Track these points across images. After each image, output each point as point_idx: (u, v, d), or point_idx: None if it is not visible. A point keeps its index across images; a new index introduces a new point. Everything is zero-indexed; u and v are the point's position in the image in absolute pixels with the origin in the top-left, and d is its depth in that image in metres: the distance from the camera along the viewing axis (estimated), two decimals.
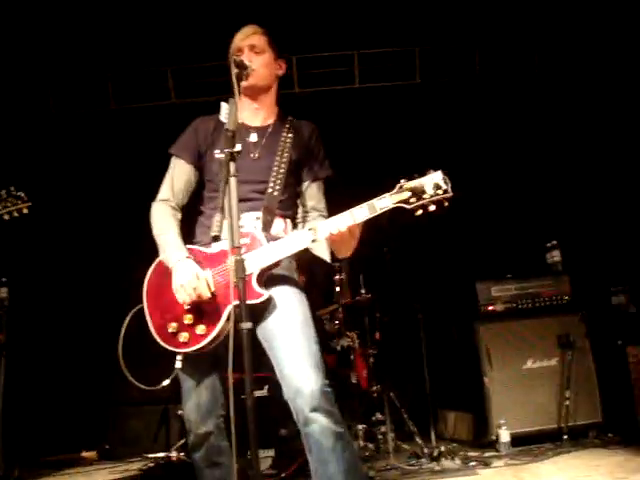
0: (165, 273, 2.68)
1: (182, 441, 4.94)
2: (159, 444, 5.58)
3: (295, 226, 2.91)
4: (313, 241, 2.53)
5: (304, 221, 2.91)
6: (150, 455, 5.39)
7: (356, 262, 5.18)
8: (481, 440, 5.08)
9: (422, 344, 5.22)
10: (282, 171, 2.79)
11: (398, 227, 4.94)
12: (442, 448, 4.69)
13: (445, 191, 2.46)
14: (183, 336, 2.58)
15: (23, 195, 3.92)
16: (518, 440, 4.84)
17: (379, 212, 2.48)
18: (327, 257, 2.83)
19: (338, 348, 5.16)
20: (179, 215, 2.86)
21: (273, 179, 2.78)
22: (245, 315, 2.19)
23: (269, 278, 2.63)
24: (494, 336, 5.12)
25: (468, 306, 5.35)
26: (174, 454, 4.97)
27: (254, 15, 3.11)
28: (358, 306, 5.28)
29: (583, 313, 5.17)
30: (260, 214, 2.73)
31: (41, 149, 6.58)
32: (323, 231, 2.51)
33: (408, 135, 6.54)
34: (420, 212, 2.48)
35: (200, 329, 2.55)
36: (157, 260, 2.76)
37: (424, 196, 2.46)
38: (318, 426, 2.41)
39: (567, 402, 4.91)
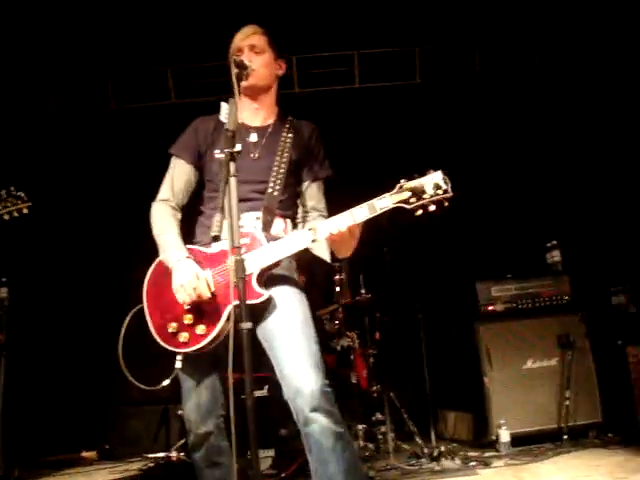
0: (165, 273, 2.68)
1: (182, 441, 4.94)
2: (159, 444, 5.58)
3: (295, 226, 2.91)
4: (313, 241, 2.53)
5: (304, 221, 2.91)
6: (150, 455, 5.39)
7: (356, 262, 5.18)
8: (481, 440, 5.08)
9: (422, 344, 5.22)
10: (282, 171, 2.79)
11: (398, 227, 4.94)
12: (442, 448, 4.69)
13: (445, 191, 2.46)
14: (183, 336, 2.58)
15: (23, 195, 3.92)
16: (518, 440, 4.84)
17: (379, 212, 2.48)
18: (327, 257, 2.83)
19: (338, 348, 5.16)
20: (179, 215, 2.86)
21: (273, 179, 2.78)
22: (245, 315, 2.19)
23: (269, 278, 2.63)
24: (494, 336, 5.12)
25: (468, 306, 5.35)
26: (174, 454, 4.97)
27: (254, 15, 3.11)
28: (358, 306, 5.29)
29: (583, 313, 5.17)
30: (260, 214, 2.73)
31: (41, 149, 6.58)
32: (323, 231, 2.51)
33: (408, 135, 6.54)
34: (420, 212, 2.48)
35: (200, 329, 2.55)
36: (157, 260, 2.76)
37: (424, 196, 2.46)
38: (318, 426, 2.41)
39: (567, 402, 4.91)
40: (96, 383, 6.21)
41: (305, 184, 2.93)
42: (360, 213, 2.48)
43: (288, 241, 2.58)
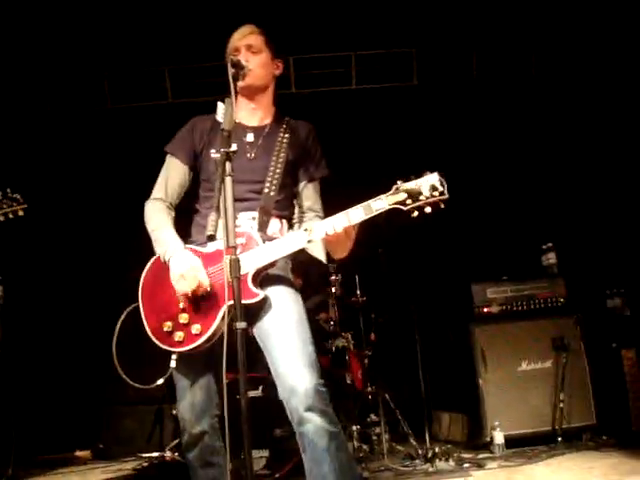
0: (161, 272, 2.68)
1: (176, 441, 4.94)
2: (153, 444, 5.59)
3: (291, 226, 2.91)
4: (309, 242, 2.53)
5: (300, 221, 2.91)
6: (144, 455, 5.39)
7: (351, 263, 5.18)
8: (475, 442, 5.08)
9: (417, 345, 5.22)
10: (278, 171, 2.79)
11: (394, 228, 4.95)
12: (436, 449, 4.69)
13: (441, 193, 2.47)
14: (178, 335, 2.57)
15: (19, 197, 3.92)
16: (512, 442, 4.85)
17: (375, 213, 2.48)
18: (323, 258, 2.83)
19: (333, 349, 5.16)
20: (173, 214, 2.86)
21: (269, 179, 2.78)
22: (240, 315, 2.19)
23: (264, 278, 2.62)
24: (489, 338, 5.13)
25: (463, 307, 5.36)
26: (168, 454, 4.97)
27: (252, 15, 3.11)
28: (353, 307, 5.29)
29: (578, 316, 5.18)
30: (256, 214, 2.73)
31: (37, 148, 6.56)
32: (319, 232, 2.51)
33: (405, 137, 6.55)
34: (416, 214, 2.48)
35: (195, 328, 2.54)
36: (152, 259, 2.75)
37: (420, 198, 2.47)
38: (312, 425, 2.41)
39: (561, 404, 4.92)
40: (90, 382, 6.20)
41: (301, 184, 2.93)
42: (356, 214, 2.48)
43: (284, 241, 2.58)
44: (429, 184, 2.47)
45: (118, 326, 2.79)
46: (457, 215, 5.16)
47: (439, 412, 5.74)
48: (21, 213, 3.90)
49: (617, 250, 5.93)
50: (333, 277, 5.24)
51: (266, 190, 2.76)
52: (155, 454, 5.23)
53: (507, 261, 5.91)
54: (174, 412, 4.92)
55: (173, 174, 2.88)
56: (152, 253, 2.75)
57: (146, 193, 2.89)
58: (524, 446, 4.85)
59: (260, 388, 4.20)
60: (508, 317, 5.22)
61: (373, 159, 6.41)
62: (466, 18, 6.21)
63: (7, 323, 5.17)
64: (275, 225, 2.79)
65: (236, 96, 2.57)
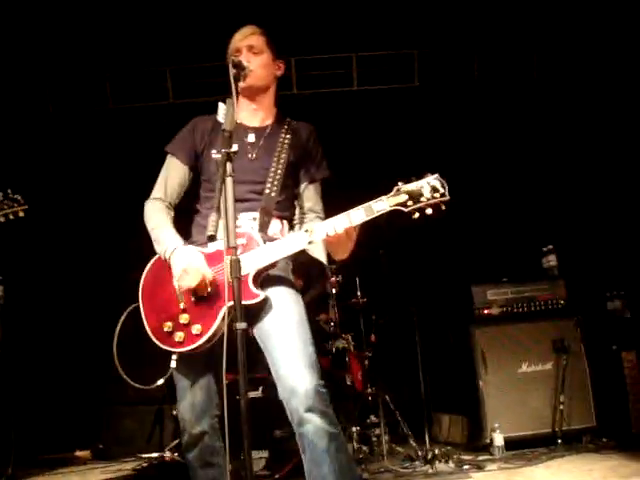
0: (161, 272, 2.68)
1: (176, 441, 4.94)
2: (153, 444, 5.59)
3: (292, 227, 2.91)
4: (309, 243, 2.53)
5: (301, 222, 2.91)
6: (144, 455, 5.39)
7: (352, 264, 5.18)
8: (475, 443, 5.08)
9: (417, 347, 5.22)
10: (280, 172, 2.79)
11: (395, 229, 4.95)
12: (436, 451, 4.68)
13: (442, 194, 2.47)
14: (178, 336, 2.57)
15: (20, 198, 3.92)
16: (512, 444, 4.85)
17: (376, 214, 2.48)
18: (324, 259, 2.83)
19: (333, 350, 5.16)
20: (172, 213, 2.86)
21: (271, 180, 2.78)
22: (240, 315, 2.19)
23: (265, 278, 2.62)
24: (489, 339, 5.13)
25: (464, 309, 5.36)
26: (168, 454, 4.97)
27: (253, 16, 3.11)
28: (354, 308, 5.29)
29: (578, 318, 5.18)
30: (257, 215, 2.73)
31: (39, 148, 6.57)
32: (320, 233, 2.51)
33: (406, 138, 6.55)
34: (417, 215, 2.48)
35: (196, 329, 2.54)
36: (153, 259, 2.75)
37: (421, 199, 2.47)
38: (312, 426, 2.40)
39: (561, 406, 4.92)
40: (90, 382, 6.19)
41: (302, 185, 2.93)
42: (357, 215, 2.48)
43: (285, 242, 2.58)
44: (430, 186, 2.48)
45: (119, 326, 2.79)
46: (458, 217, 5.16)
47: (439, 414, 5.74)
48: (22, 214, 3.90)
49: (617, 252, 5.93)
50: (334, 278, 5.25)
51: (267, 191, 2.76)
52: (155, 454, 5.23)
53: (507, 263, 5.91)
54: (174, 412, 4.93)
55: (173, 174, 2.88)
56: (152, 253, 2.75)
57: (147, 194, 2.89)
58: (524, 448, 4.85)
59: (260, 389, 4.20)
60: (508, 319, 5.22)
61: (374, 160, 6.41)
62: (468, 20, 6.21)
63: (7, 323, 5.17)
64: (276, 226, 2.79)
65: (237, 97, 2.57)
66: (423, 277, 6.13)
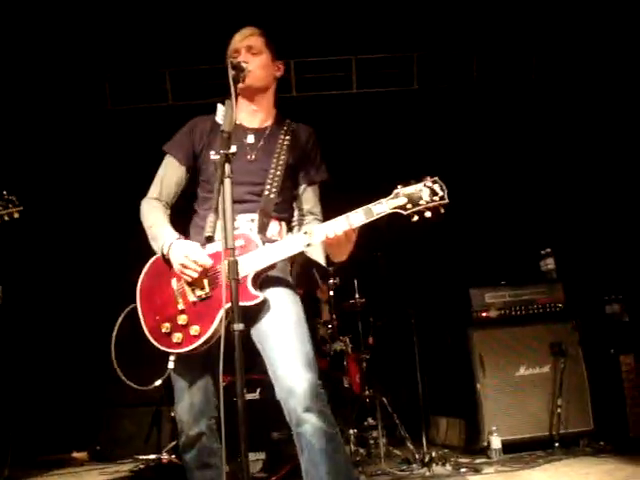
0: (159, 273, 2.68)
1: (173, 443, 4.93)
2: (150, 445, 5.57)
3: (290, 229, 2.91)
4: (308, 245, 2.53)
5: (300, 224, 2.91)
6: (141, 457, 5.37)
7: (350, 266, 5.19)
8: (472, 446, 5.08)
9: (415, 349, 5.22)
10: (279, 174, 2.79)
11: (393, 232, 4.95)
12: (433, 454, 4.69)
13: (441, 198, 2.47)
14: (176, 337, 2.57)
15: (15, 199, 3.91)
16: (509, 447, 4.85)
17: (376, 217, 2.48)
18: (322, 261, 2.83)
19: (331, 352, 5.16)
20: (168, 212, 2.86)
21: (270, 181, 2.78)
22: (237, 316, 2.19)
23: (263, 279, 2.62)
24: (487, 342, 5.13)
25: (462, 312, 5.36)
26: (165, 456, 4.96)
27: (252, 18, 3.12)
28: (351, 310, 5.29)
29: (576, 321, 5.18)
30: (255, 216, 2.73)
31: (37, 149, 6.56)
32: (319, 235, 2.51)
33: (405, 141, 6.55)
34: (416, 218, 2.48)
35: (194, 330, 2.54)
36: (151, 260, 2.75)
37: (420, 202, 2.47)
38: (310, 426, 2.40)
39: (559, 410, 4.92)
40: (88, 384, 6.19)
41: (301, 188, 2.93)
42: (356, 218, 2.48)
43: (284, 244, 2.57)
44: (429, 189, 2.48)
45: (116, 327, 2.79)
46: (456, 219, 5.15)
47: (437, 416, 5.74)
48: (16, 215, 3.89)
49: (616, 256, 5.93)
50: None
51: (266, 192, 2.76)
52: (152, 456, 5.22)
53: (505, 266, 5.92)
54: (172, 414, 4.92)
55: (170, 174, 2.88)
56: (151, 254, 2.75)
57: (145, 195, 2.89)
58: (521, 451, 4.86)
59: (258, 390, 4.20)
60: (506, 322, 5.22)
61: (373, 163, 6.42)
62: (467, 22, 6.22)
63: (6, 324, 5.16)
64: (274, 228, 2.79)
65: (236, 98, 2.57)
66: (421, 279, 6.14)
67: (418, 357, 5.20)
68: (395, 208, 2.48)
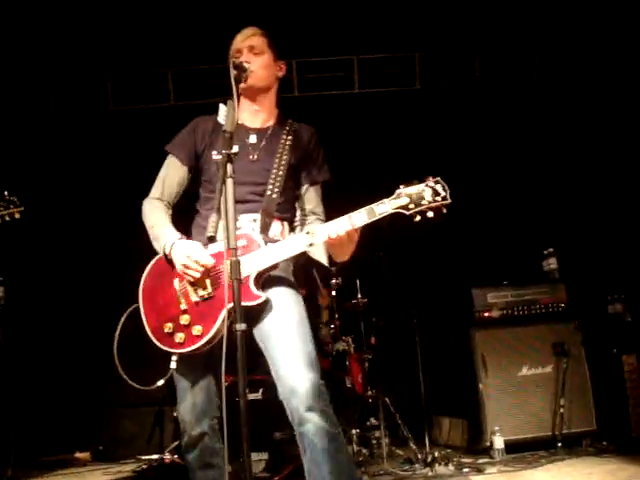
0: (162, 273, 2.69)
1: (176, 443, 4.94)
2: (153, 446, 5.58)
3: (293, 229, 2.91)
4: (310, 245, 2.53)
5: (302, 224, 2.91)
6: (144, 457, 5.38)
7: (352, 266, 5.19)
8: (475, 446, 5.07)
9: (417, 349, 5.21)
10: (281, 174, 2.79)
11: (395, 232, 4.95)
12: (436, 454, 4.69)
13: (444, 198, 2.47)
14: (179, 337, 2.57)
15: (16, 200, 3.91)
16: (512, 447, 4.84)
17: (378, 217, 2.48)
18: (325, 261, 2.83)
19: (333, 352, 5.16)
20: (170, 212, 2.86)
21: (272, 181, 2.77)
22: (240, 316, 2.19)
23: (265, 279, 2.62)
24: (489, 342, 5.12)
25: (464, 312, 5.36)
26: (168, 456, 4.97)
27: (255, 19, 3.11)
28: (354, 310, 5.29)
29: (579, 321, 5.18)
30: (257, 216, 2.73)
31: (40, 149, 6.57)
32: (321, 235, 2.51)
33: (407, 141, 6.55)
34: (419, 218, 2.48)
35: (196, 330, 2.54)
36: (153, 260, 2.75)
37: (423, 202, 2.47)
38: (312, 426, 2.40)
39: (561, 410, 4.91)
40: (90, 384, 6.19)
41: (303, 188, 2.93)
42: (358, 218, 2.48)
43: (286, 244, 2.58)
44: (432, 189, 2.47)
45: (119, 327, 2.80)
46: (458, 219, 5.16)
47: (439, 416, 5.74)
48: (17, 216, 3.89)
49: (618, 255, 5.93)
50: (334, 281, 5.25)
51: (268, 192, 2.76)
52: (155, 456, 5.23)
53: (508, 266, 5.91)
54: (175, 414, 4.93)
55: (172, 174, 2.88)
56: (153, 254, 2.75)
57: (147, 195, 2.89)
58: (524, 451, 4.85)
59: (260, 391, 4.20)
60: (509, 322, 5.22)
61: (375, 163, 6.42)
62: (468, 22, 6.22)
63: (8, 324, 5.17)
64: (277, 227, 2.79)
65: (238, 98, 2.57)
66: (424, 279, 6.13)
67: (420, 357, 5.20)
68: (397, 208, 2.47)
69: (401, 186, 2.50)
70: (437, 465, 4.57)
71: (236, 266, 2.23)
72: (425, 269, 6.35)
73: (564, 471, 4.32)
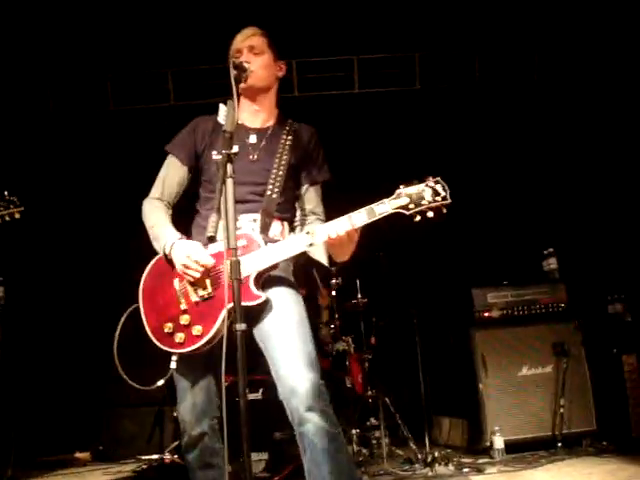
0: (162, 273, 2.69)
1: (176, 443, 4.94)
2: (153, 445, 5.58)
3: (293, 229, 2.91)
4: (310, 245, 2.53)
5: (302, 224, 2.91)
6: (144, 457, 5.39)
7: (352, 266, 5.19)
8: (475, 446, 5.07)
9: (417, 349, 5.21)
10: (281, 174, 2.79)
11: (395, 232, 4.94)
12: (436, 454, 4.69)
13: (444, 198, 2.47)
14: (179, 337, 2.57)
15: (16, 200, 3.91)
16: (512, 447, 4.84)
17: (378, 217, 2.48)
18: (325, 261, 2.83)
19: (333, 352, 5.16)
20: (170, 212, 2.86)
21: (272, 181, 2.78)
22: (240, 316, 2.19)
23: (265, 279, 2.62)
24: (489, 342, 5.12)
25: (464, 312, 5.36)
26: (168, 456, 4.97)
27: (255, 18, 3.12)
28: (354, 310, 5.29)
29: (579, 321, 5.18)
30: (257, 216, 2.73)
31: (40, 149, 6.57)
32: (321, 235, 2.51)
33: (407, 141, 6.55)
34: (419, 218, 2.48)
35: (196, 330, 2.54)
36: (153, 260, 2.75)
37: (423, 202, 2.47)
38: (312, 425, 2.40)
39: (562, 410, 4.91)
40: (90, 384, 6.19)
41: (303, 188, 2.93)
42: (359, 218, 2.48)
43: (286, 244, 2.58)
44: (431, 189, 2.48)
45: (119, 327, 2.80)
46: (458, 219, 5.16)
47: (439, 416, 5.74)
48: (17, 216, 3.89)
49: (618, 256, 5.93)
50: (334, 281, 5.25)
51: (268, 192, 2.76)
52: (155, 456, 5.23)
53: (508, 266, 5.91)
54: (175, 414, 4.93)
55: (172, 174, 2.88)
56: (153, 254, 2.75)
57: (147, 195, 2.89)
58: (524, 451, 4.85)
59: (260, 391, 4.20)
60: (509, 322, 5.22)
61: (375, 163, 6.41)
62: (468, 22, 6.21)
63: (8, 324, 5.17)
64: (277, 227, 2.79)
65: (238, 98, 2.58)
66: (424, 279, 6.13)
67: (420, 357, 5.20)
68: (397, 208, 2.48)
69: (401, 186, 2.50)
70: (437, 465, 4.58)
71: (236, 266, 2.23)
72: (425, 269, 6.35)
73: (564, 471, 4.32)
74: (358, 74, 6.63)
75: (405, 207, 2.47)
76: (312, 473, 2.43)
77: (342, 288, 5.29)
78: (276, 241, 2.65)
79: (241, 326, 2.18)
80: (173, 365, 2.58)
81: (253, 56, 2.81)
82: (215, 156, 2.75)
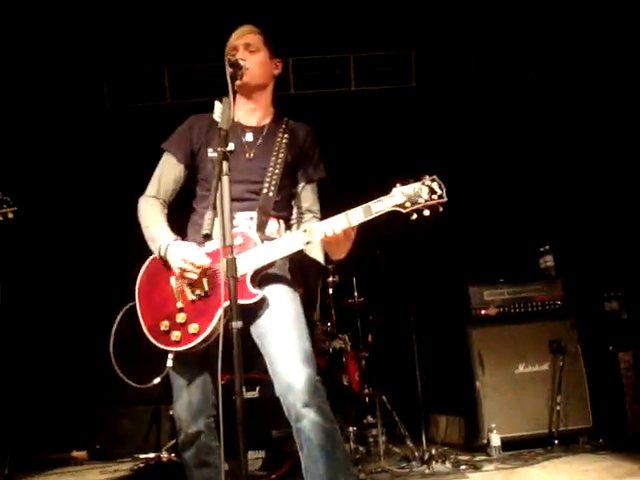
0: (158, 272, 2.69)
1: (173, 441, 4.94)
2: (150, 444, 5.58)
3: (289, 227, 2.92)
4: (307, 243, 2.53)
5: (298, 222, 2.91)
6: (141, 455, 5.38)
7: (349, 264, 5.18)
8: (472, 444, 5.07)
9: (414, 347, 5.21)
10: (277, 172, 2.80)
11: (392, 230, 4.94)
12: (433, 451, 4.68)
13: (440, 196, 2.48)
14: (175, 335, 2.58)
15: (9, 200, 3.90)
16: (509, 444, 4.84)
17: (374, 215, 2.49)
18: (321, 259, 2.83)
19: (330, 350, 5.16)
20: (166, 211, 2.86)
21: (268, 180, 2.78)
22: (236, 314, 2.19)
23: (262, 277, 2.62)
24: (486, 340, 5.12)
25: (460, 310, 5.36)
26: (165, 455, 4.97)
27: (251, 16, 3.11)
28: (350, 308, 5.29)
29: (575, 318, 5.18)
30: (254, 214, 2.73)
31: (35, 148, 6.55)
32: (317, 233, 2.51)
33: (403, 139, 6.54)
34: (415, 216, 2.49)
35: (193, 328, 2.55)
36: (150, 258, 2.76)
37: (419, 201, 2.48)
38: (309, 422, 2.41)
39: (558, 407, 4.92)
40: (87, 382, 6.19)
41: (300, 186, 2.93)
42: (355, 216, 2.49)
43: (282, 242, 2.58)
44: (428, 187, 2.49)
45: (115, 326, 2.80)
46: (455, 217, 5.15)
47: (436, 414, 5.74)
48: (11, 216, 3.88)
49: (615, 253, 5.94)
50: (330, 279, 5.24)
51: (265, 191, 2.76)
52: (152, 455, 5.23)
53: (504, 263, 5.91)
54: (171, 412, 4.93)
55: (167, 172, 2.88)
56: (149, 253, 2.75)
57: (143, 193, 2.89)
58: (521, 448, 4.85)
59: (257, 389, 4.20)
60: (505, 319, 5.22)
61: (372, 162, 6.40)
62: (465, 20, 6.21)
63: (4, 324, 5.16)
64: (273, 226, 2.80)
65: (234, 95, 2.57)
66: (420, 277, 6.13)
67: (417, 355, 5.20)
68: (394, 206, 2.48)
69: (398, 184, 2.51)
70: (434, 462, 4.57)
71: (232, 264, 2.23)
72: (422, 267, 6.35)
73: (560, 468, 4.32)
74: (354, 72, 6.62)
75: (402, 205, 2.48)
76: (309, 470, 2.44)
77: (339, 286, 5.29)
78: (273, 239, 2.65)
79: (237, 324, 2.18)
80: (169, 363, 2.58)
81: (249, 54, 2.81)
82: (211, 154, 2.74)
